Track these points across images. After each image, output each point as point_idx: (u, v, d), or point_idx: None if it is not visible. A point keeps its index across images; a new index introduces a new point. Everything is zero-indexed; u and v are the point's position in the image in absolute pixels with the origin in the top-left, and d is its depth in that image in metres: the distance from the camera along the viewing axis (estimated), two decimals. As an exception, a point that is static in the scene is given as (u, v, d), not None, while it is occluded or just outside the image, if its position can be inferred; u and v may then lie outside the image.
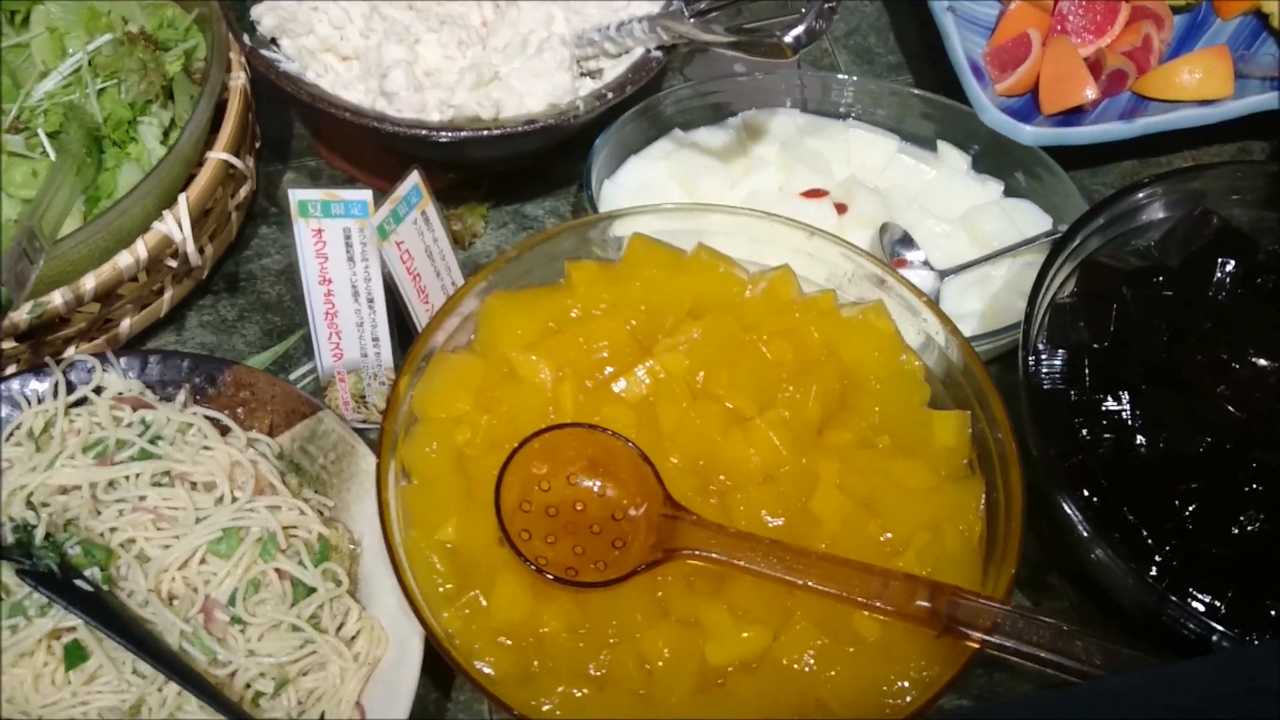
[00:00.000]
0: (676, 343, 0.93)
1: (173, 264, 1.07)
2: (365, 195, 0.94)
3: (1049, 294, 1.00)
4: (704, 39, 1.02)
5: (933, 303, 0.95)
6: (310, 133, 1.29)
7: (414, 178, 0.94)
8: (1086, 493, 0.91)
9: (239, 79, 1.11)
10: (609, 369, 0.93)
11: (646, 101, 1.20)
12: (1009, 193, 1.23)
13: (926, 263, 1.16)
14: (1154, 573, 0.88)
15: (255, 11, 1.12)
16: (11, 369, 1.06)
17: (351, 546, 0.93)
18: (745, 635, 0.82)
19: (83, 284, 1.01)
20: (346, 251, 0.96)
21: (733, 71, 1.32)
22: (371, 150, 1.24)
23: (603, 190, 1.17)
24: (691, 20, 1.05)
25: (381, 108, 1.06)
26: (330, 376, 1.04)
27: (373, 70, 1.08)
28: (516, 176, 1.26)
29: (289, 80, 1.06)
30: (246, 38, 1.08)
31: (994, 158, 1.24)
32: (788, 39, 0.92)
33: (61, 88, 1.13)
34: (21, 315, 0.98)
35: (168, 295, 1.12)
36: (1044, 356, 0.99)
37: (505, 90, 1.06)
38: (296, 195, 0.94)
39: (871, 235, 1.17)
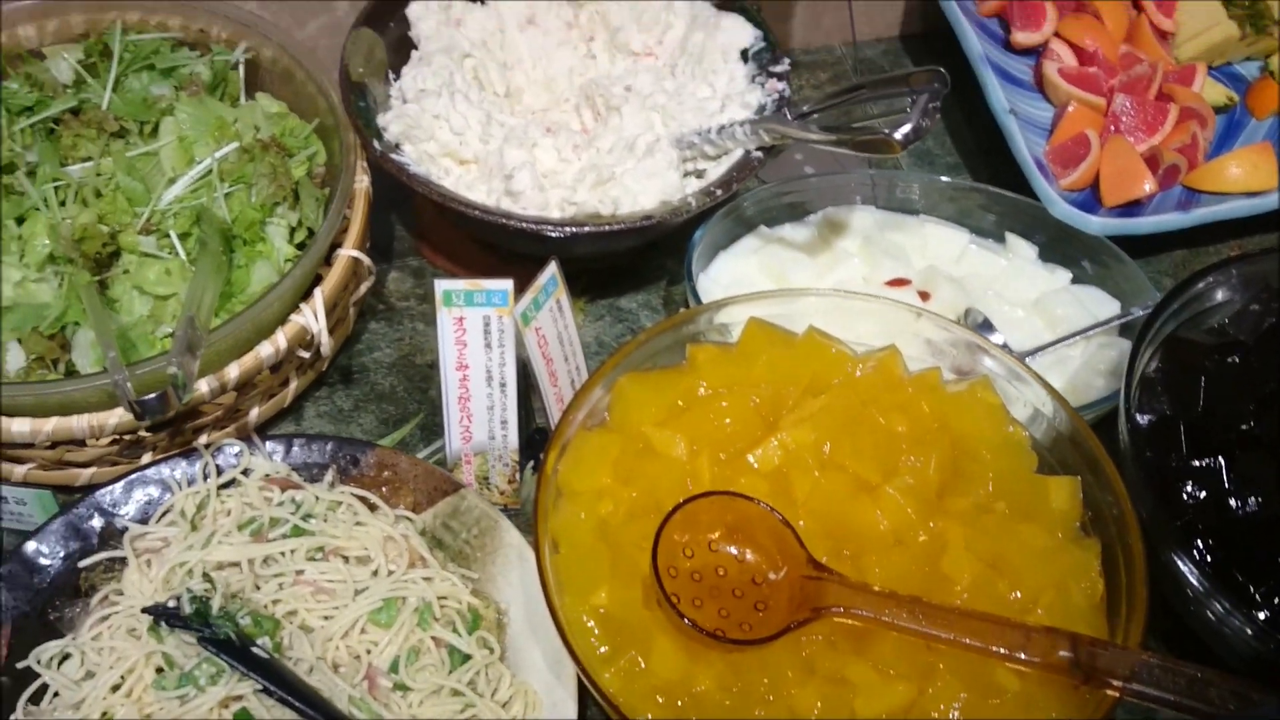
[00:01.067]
0: (801, 417, 0.99)
1: (305, 354, 1.13)
2: (506, 285, 1.01)
3: (1138, 370, 1.07)
4: (809, 139, 1.10)
5: (1039, 375, 1.02)
6: (413, 235, 1.36)
7: (552, 268, 1.01)
8: (1196, 551, 0.97)
9: (363, 182, 1.18)
10: (739, 443, 0.98)
11: (732, 202, 1.28)
12: (1076, 279, 1.31)
13: (1006, 345, 1.23)
14: (1263, 623, 0.94)
15: (382, 120, 1.20)
16: (148, 456, 1.11)
17: (498, 616, 0.98)
18: (894, 690, 0.87)
19: (227, 373, 1.06)
20: (484, 338, 1.02)
21: (805, 173, 1.41)
22: (473, 248, 1.31)
23: (698, 284, 1.24)
24: (794, 122, 1.14)
25: (506, 206, 1.13)
26: (458, 459, 1.10)
27: (494, 172, 1.16)
28: (610, 272, 1.33)
29: (419, 182, 1.13)
30: (376, 143, 1.16)
31: (1059, 247, 1.32)
32: (898, 135, 1.00)
33: (190, 192, 1.19)
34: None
35: (293, 385, 1.17)
36: (1140, 426, 1.05)
37: (621, 189, 1.13)
38: (442, 285, 1.01)
39: (954, 320, 1.24)
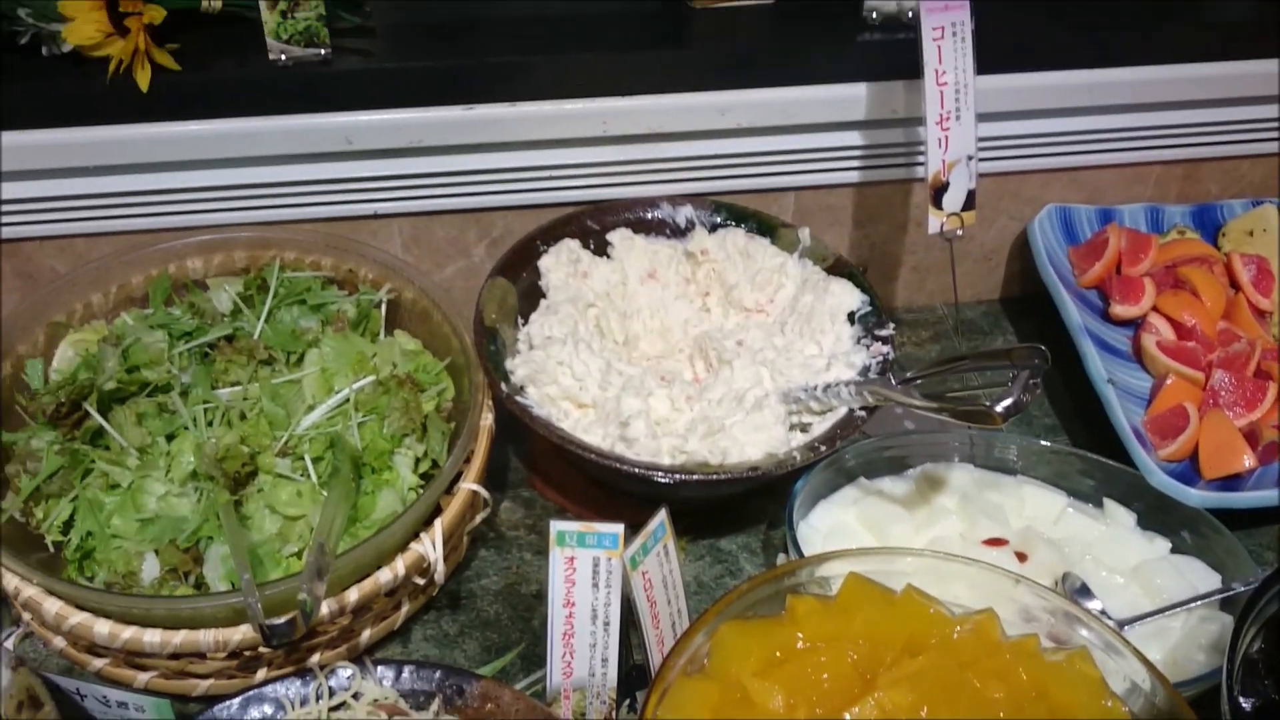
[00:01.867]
0: (898, 677, 1.01)
1: (420, 581, 1.18)
2: (617, 529, 1.06)
3: (1241, 649, 1.07)
4: (912, 404, 1.15)
5: (1138, 650, 1.02)
6: (526, 467, 1.43)
7: (662, 515, 1.06)
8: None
9: (487, 419, 1.26)
10: (836, 699, 1.00)
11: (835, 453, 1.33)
12: (1175, 549, 1.31)
13: (1104, 613, 1.23)
14: None
15: (510, 364, 1.29)
16: (263, 672, 1.15)
17: None
18: None
19: (346, 596, 1.12)
20: (593, 578, 1.07)
21: (906, 429, 1.45)
22: (583, 484, 1.37)
23: (798, 531, 1.28)
24: (897, 386, 1.19)
25: (620, 450, 1.20)
26: (557, 693, 1.12)
27: (611, 417, 1.23)
28: (712, 512, 1.37)
29: (540, 424, 1.20)
30: (503, 385, 1.24)
31: (1158, 516, 1.33)
32: (999, 409, 1.05)
33: (326, 419, 1.28)
34: (295, 622, 1.09)
35: (404, 609, 1.22)
36: (1243, 710, 1.04)
37: (730, 440, 1.19)
38: (556, 526, 1.06)
39: (1051, 584, 1.25)
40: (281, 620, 0.97)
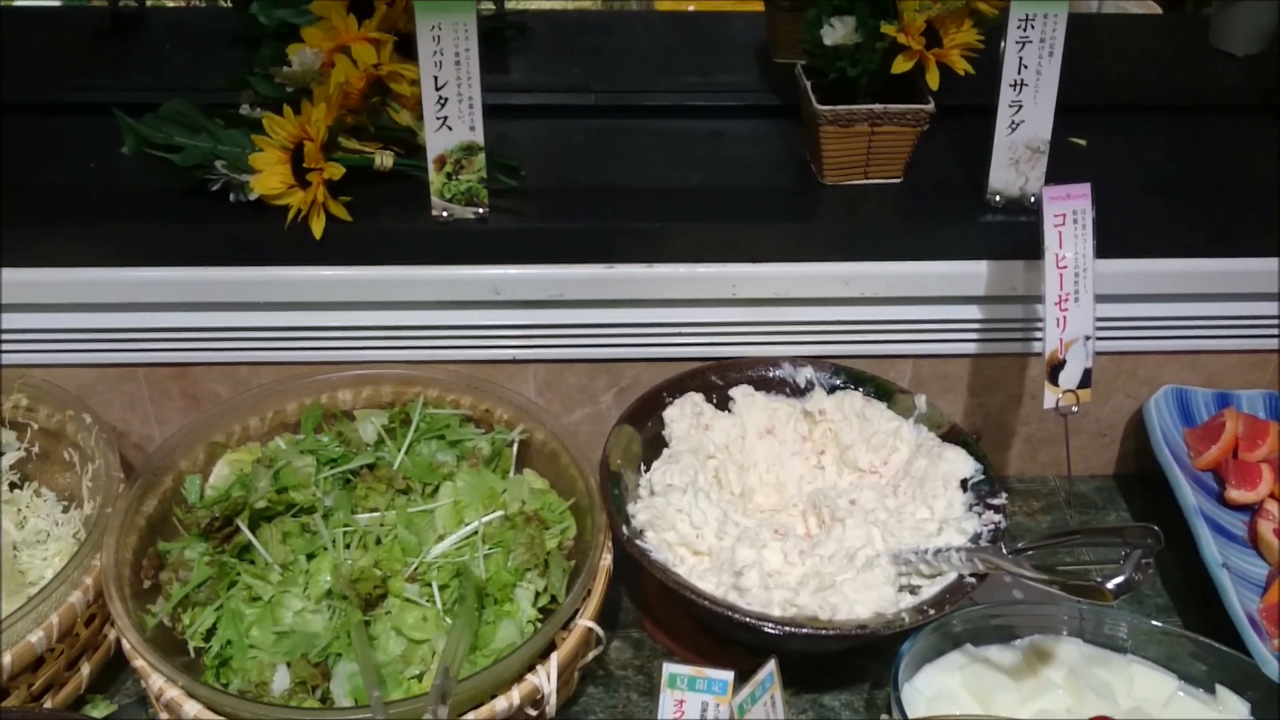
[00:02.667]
0: None
1: (532, 713, 1.23)
2: (727, 676, 1.10)
3: None
4: (1023, 575, 1.18)
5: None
6: (638, 608, 1.48)
7: (771, 665, 1.10)
8: None
9: (606, 560, 1.32)
10: None
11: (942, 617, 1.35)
12: (1292, 744, 1.29)
13: (1214, 803, 1.22)
14: None
15: (631, 508, 1.35)
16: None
17: None
18: None
19: (463, 721, 1.17)
20: (700, 722, 1.10)
21: (1014, 599, 1.47)
22: (693, 628, 1.41)
23: (903, 694, 1.29)
24: (1008, 555, 1.22)
25: (732, 599, 1.24)
26: (658, 835, 1.15)
27: (725, 566, 1.28)
28: (816, 665, 1.40)
29: (658, 568, 1.26)
30: (624, 529, 1.30)
31: (1273, 707, 1.31)
32: (1110, 586, 1.08)
33: (454, 549, 1.35)
34: (414, 744, 1.14)
35: (515, 739, 1.27)
36: None
37: (840, 597, 1.23)
38: (669, 668, 1.10)
39: (1160, 770, 1.24)
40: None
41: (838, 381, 1.53)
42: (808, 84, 1.52)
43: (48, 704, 1.27)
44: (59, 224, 1.45)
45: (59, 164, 1.56)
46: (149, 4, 1.93)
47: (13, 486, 1.46)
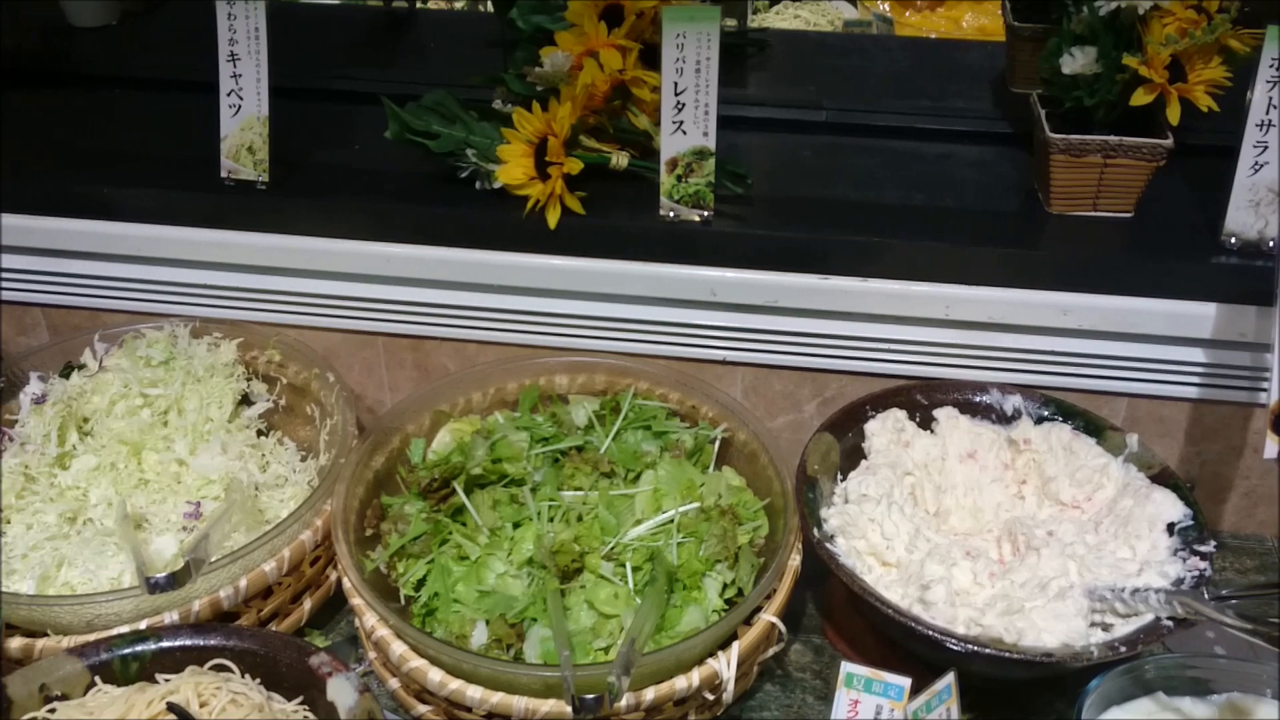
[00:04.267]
0: None
1: (709, 696, 1.27)
2: (904, 682, 1.12)
3: None
4: (1226, 623, 1.15)
5: None
6: (821, 615, 1.50)
7: (950, 677, 1.11)
8: None
9: (794, 560, 1.35)
10: None
11: (1133, 660, 1.32)
12: None
13: None
14: None
15: (824, 512, 1.38)
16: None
17: None
18: None
19: (644, 695, 1.22)
20: (872, 724, 1.12)
21: (1214, 652, 1.41)
22: (873, 640, 1.42)
23: (1085, 731, 1.27)
24: (1211, 602, 1.19)
25: (917, 612, 1.25)
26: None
27: (912, 579, 1.29)
28: (996, 695, 1.39)
29: (845, 572, 1.28)
30: (815, 531, 1.33)
31: None
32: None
33: (650, 534, 1.41)
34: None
35: (690, 720, 1.32)
36: None
37: (1028, 622, 1.22)
38: (846, 667, 1.13)
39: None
40: (590, 697, 1.09)
41: (1046, 412, 1.51)
42: (1042, 111, 1.51)
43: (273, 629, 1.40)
44: (325, 198, 1.59)
45: (329, 145, 1.71)
46: (418, 5, 2.08)
47: (259, 433, 1.61)
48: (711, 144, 1.44)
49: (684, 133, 1.43)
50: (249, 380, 1.62)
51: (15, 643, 1.28)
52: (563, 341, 1.64)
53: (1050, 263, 1.49)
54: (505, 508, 1.43)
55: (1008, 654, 1.21)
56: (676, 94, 1.40)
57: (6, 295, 1.73)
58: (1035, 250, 1.51)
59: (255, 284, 1.65)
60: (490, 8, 2.66)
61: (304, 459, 1.59)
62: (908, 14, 2.73)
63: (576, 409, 1.56)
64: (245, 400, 1.61)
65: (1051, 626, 1.23)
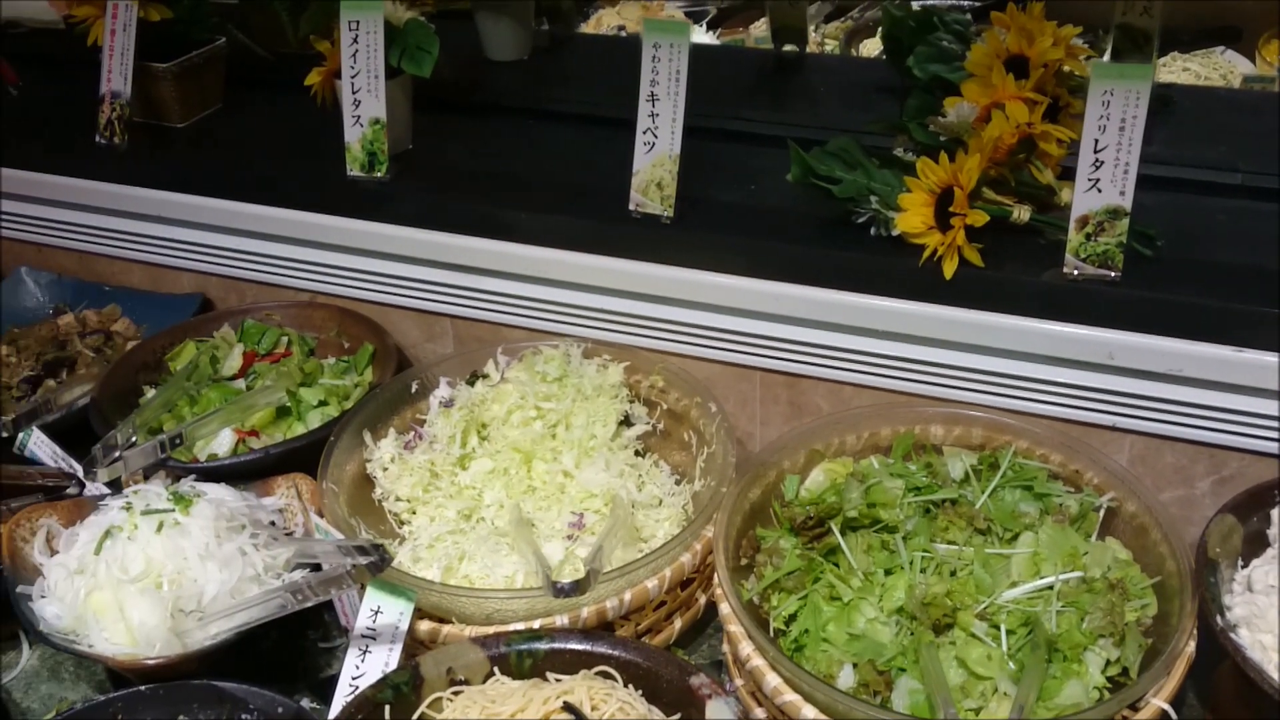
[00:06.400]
0: None
1: (1090, 776, 1.23)
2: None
3: None
4: None
5: None
6: (1200, 703, 1.41)
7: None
8: None
9: (1189, 646, 1.28)
10: None
11: None
12: None
13: None
14: None
15: (1227, 600, 1.30)
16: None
17: None
18: None
19: (1022, 763, 1.19)
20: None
21: None
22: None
23: None
24: None
25: None
26: None
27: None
28: None
29: (1252, 668, 1.21)
30: (1219, 619, 1.26)
31: None
32: None
33: (1026, 598, 1.37)
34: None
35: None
36: None
37: None
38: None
39: None
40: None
41: None
42: None
43: (646, 644, 1.46)
44: (724, 235, 1.65)
45: (728, 183, 1.77)
46: (807, 50, 2.13)
47: (637, 454, 1.68)
48: (1128, 204, 1.39)
49: (1099, 190, 1.39)
50: (631, 402, 1.71)
51: (424, 625, 1.40)
52: (938, 391, 1.63)
53: None
54: (877, 553, 1.43)
55: None
56: (1096, 151, 1.37)
57: (420, 304, 1.90)
58: None
59: (645, 311, 1.73)
60: (861, 52, 2.69)
61: (678, 482, 1.66)
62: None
63: (953, 461, 1.54)
64: (626, 421, 1.70)
65: None
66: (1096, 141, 1.37)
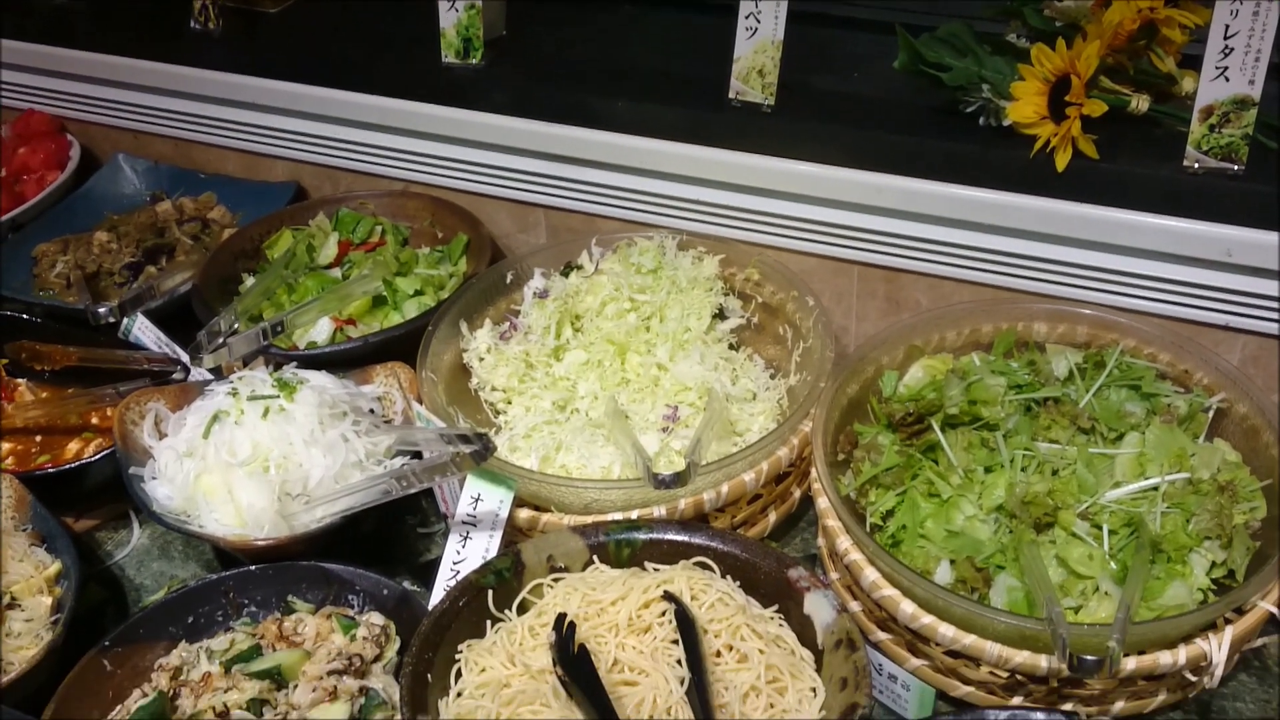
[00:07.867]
0: None
1: (1190, 677, 1.22)
2: None
3: None
4: None
5: None
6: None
7: None
8: None
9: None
10: None
11: None
12: None
13: None
14: None
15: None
16: (1017, 699, 1.26)
17: None
18: None
19: (1124, 664, 1.18)
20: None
21: None
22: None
23: None
24: None
25: None
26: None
27: None
28: None
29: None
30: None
31: None
32: None
33: (1130, 499, 1.35)
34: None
35: (1160, 698, 1.27)
36: None
37: None
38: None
39: None
40: (1091, 659, 1.07)
41: None
42: None
43: (742, 536, 1.47)
44: (826, 124, 1.61)
45: (831, 71, 1.73)
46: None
47: (731, 347, 1.67)
48: (1256, 94, 1.33)
49: (1226, 79, 1.33)
50: (726, 295, 1.69)
51: (523, 513, 1.42)
52: (1041, 287, 1.59)
53: None
54: (977, 451, 1.42)
55: None
56: (1226, 37, 1.30)
57: (513, 194, 1.89)
58: None
59: (740, 203, 1.71)
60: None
61: (772, 376, 1.65)
62: None
63: (1057, 359, 1.51)
64: (720, 314, 1.68)
65: None
66: (1227, 27, 1.30)
